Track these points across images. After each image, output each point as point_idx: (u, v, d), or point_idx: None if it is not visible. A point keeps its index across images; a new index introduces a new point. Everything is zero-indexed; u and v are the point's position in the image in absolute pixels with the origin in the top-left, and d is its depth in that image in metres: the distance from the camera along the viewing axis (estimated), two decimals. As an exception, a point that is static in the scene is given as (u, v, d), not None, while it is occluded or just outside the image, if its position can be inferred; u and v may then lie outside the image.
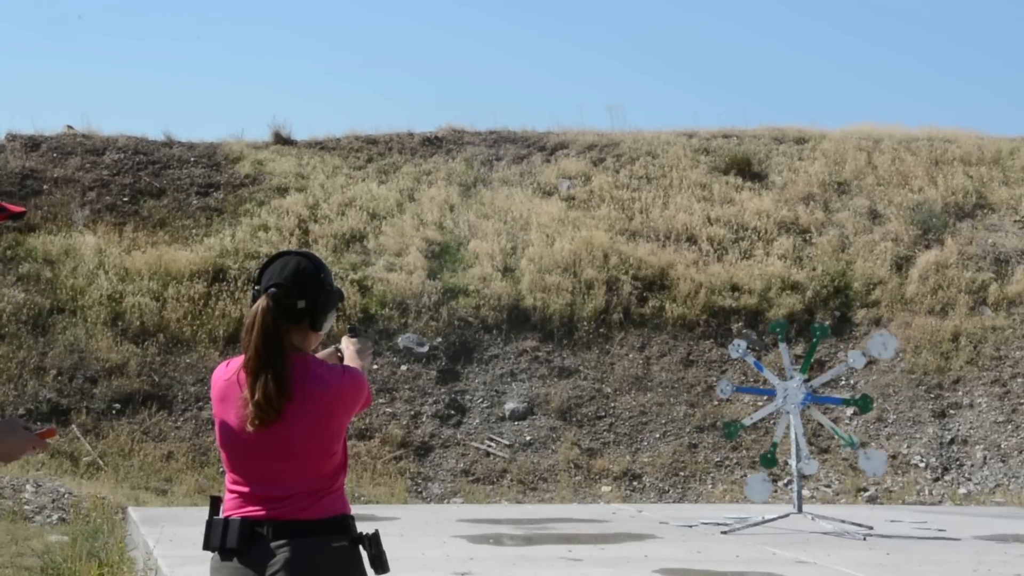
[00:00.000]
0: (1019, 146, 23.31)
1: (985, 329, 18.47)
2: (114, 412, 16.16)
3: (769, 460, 11.93)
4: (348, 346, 3.79)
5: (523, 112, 68.82)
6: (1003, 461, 16.48)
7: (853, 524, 11.14)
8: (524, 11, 64.58)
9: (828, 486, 16.22)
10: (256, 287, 3.33)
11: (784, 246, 20.10)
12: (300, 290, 3.29)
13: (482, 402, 17.16)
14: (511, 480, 15.97)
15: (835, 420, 17.24)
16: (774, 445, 12.04)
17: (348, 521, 3.26)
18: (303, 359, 3.27)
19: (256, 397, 3.16)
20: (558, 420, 16.98)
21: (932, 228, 20.47)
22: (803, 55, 63.53)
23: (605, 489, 15.93)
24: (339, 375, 3.28)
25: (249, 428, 3.19)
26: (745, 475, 16.17)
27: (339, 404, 3.25)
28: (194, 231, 19.73)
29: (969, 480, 16.28)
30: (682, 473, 16.32)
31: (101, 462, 15.19)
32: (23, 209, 3.64)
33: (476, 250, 19.55)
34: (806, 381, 11.68)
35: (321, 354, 3.81)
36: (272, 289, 3.28)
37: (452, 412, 16.99)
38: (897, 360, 17.99)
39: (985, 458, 16.54)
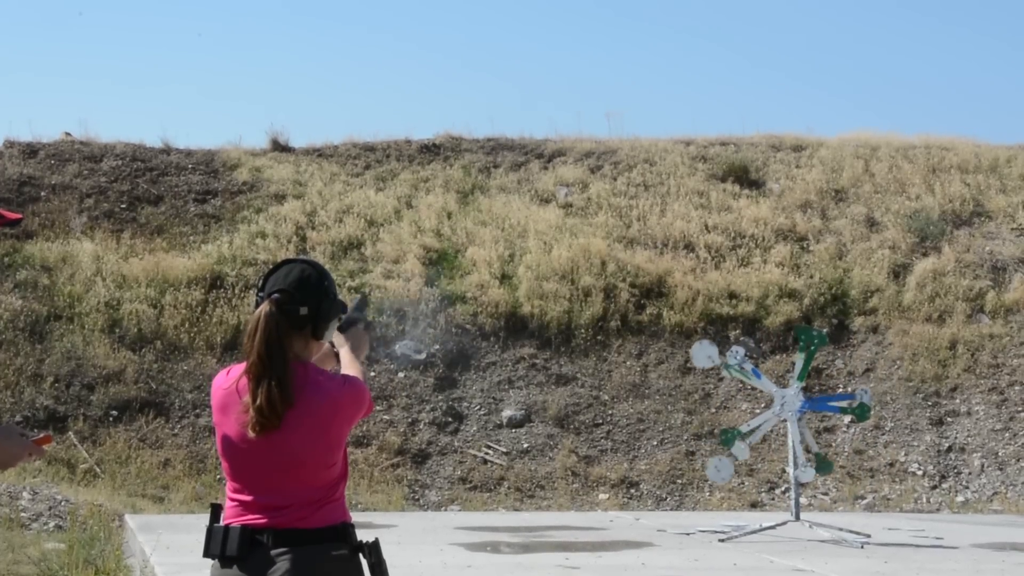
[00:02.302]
0: (1016, 154, 23.33)
1: (982, 337, 18.47)
2: (111, 419, 16.13)
3: (728, 439, 11.91)
4: (342, 343, 3.74)
5: (521, 119, 68.92)
6: (1000, 469, 16.47)
7: (851, 532, 11.13)
8: (522, 18, 64.69)
9: (826, 494, 16.21)
10: (260, 293, 3.33)
11: (781, 254, 20.10)
12: (303, 297, 3.29)
13: (479, 409, 17.15)
14: (508, 488, 15.95)
15: (832, 428, 17.25)
16: (738, 432, 11.98)
17: (348, 529, 3.25)
18: (304, 367, 3.26)
19: (258, 402, 3.16)
20: (555, 427, 16.96)
21: (929, 236, 20.48)
22: (800, 62, 63.65)
23: (602, 497, 15.92)
24: (340, 385, 3.27)
25: (250, 434, 3.18)
26: (743, 483, 16.16)
27: (339, 414, 3.24)
28: (192, 238, 19.72)
29: (967, 488, 16.27)
30: (679, 481, 16.31)
31: (98, 469, 15.16)
32: (20, 216, 3.64)
33: (474, 257, 19.54)
34: (803, 389, 11.69)
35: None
36: (275, 294, 3.28)
37: (449, 419, 16.98)
38: (895, 368, 18.00)
39: (983, 466, 16.53)
